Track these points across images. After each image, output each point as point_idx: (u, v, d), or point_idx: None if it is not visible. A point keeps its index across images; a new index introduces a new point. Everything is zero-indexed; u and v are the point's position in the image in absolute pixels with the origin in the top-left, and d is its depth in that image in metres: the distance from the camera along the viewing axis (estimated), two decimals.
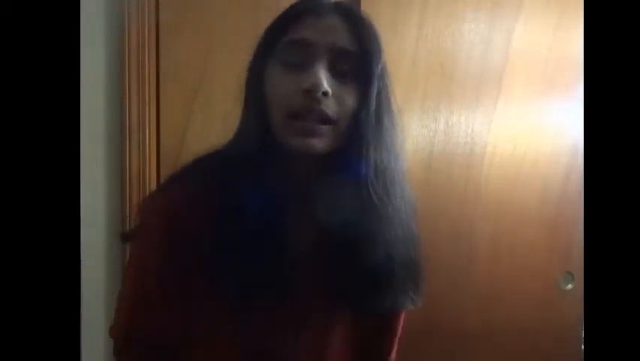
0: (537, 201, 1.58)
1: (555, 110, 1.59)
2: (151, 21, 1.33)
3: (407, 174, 0.78)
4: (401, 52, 1.46)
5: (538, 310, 1.59)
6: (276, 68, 0.69)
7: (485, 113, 1.54)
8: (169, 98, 1.36)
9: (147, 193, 1.33)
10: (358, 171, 0.69)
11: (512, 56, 1.54)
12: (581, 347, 1.62)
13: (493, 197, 1.55)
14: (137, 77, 1.32)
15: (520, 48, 1.54)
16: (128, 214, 1.32)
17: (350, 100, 0.68)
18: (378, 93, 0.70)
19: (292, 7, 0.71)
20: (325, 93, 0.65)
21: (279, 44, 0.69)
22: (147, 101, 1.33)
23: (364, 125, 0.69)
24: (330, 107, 0.66)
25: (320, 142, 0.67)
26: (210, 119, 1.36)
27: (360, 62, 0.69)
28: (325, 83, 0.65)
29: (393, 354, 0.89)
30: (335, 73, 0.67)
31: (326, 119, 0.67)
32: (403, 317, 0.88)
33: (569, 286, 1.60)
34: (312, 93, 0.65)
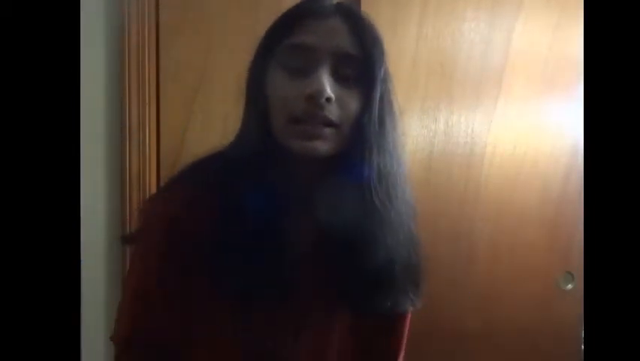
0: (537, 201, 1.58)
1: (555, 110, 1.59)
2: (151, 21, 1.33)
3: (407, 174, 0.78)
4: (401, 52, 1.46)
5: (538, 310, 1.59)
6: (277, 72, 0.68)
7: (485, 113, 1.54)
8: (169, 98, 1.36)
9: (147, 194, 1.33)
10: (361, 174, 0.69)
11: (512, 55, 1.54)
12: (581, 347, 1.62)
13: (493, 197, 1.55)
14: (137, 77, 1.32)
15: (520, 48, 1.54)
16: (128, 215, 1.32)
17: (353, 104, 0.68)
18: (381, 97, 0.70)
19: (293, 9, 0.71)
20: (329, 99, 0.65)
21: (280, 47, 0.68)
22: (147, 101, 1.33)
23: (367, 129, 0.69)
24: (333, 112, 0.66)
25: (323, 145, 0.67)
26: (210, 119, 1.36)
27: (363, 66, 0.68)
28: (328, 88, 0.65)
29: (401, 357, 0.88)
30: (338, 77, 0.67)
31: (329, 123, 0.66)
32: (408, 318, 0.87)
33: (569, 286, 1.60)
34: (315, 99, 0.64)
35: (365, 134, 0.69)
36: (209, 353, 0.74)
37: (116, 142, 1.33)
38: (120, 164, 1.33)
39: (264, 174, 0.69)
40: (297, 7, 0.71)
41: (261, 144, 0.69)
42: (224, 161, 0.73)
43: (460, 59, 1.52)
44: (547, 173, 1.59)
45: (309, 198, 0.71)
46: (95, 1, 1.30)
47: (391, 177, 0.72)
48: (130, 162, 1.32)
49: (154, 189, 1.34)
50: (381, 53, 0.70)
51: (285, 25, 0.70)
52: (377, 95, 0.69)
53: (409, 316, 0.87)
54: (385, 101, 0.71)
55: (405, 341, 0.88)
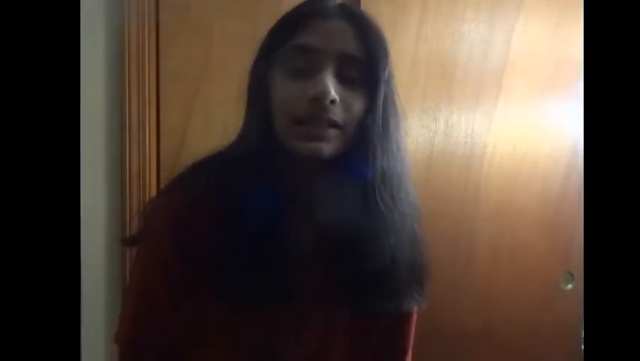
0: (537, 202, 1.58)
1: (555, 110, 1.59)
2: (151, 21, 1.33)
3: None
4: (401, 52, 1.46)
5: (538, 310, 1.59)
6: (280, 73, 0.68)
7: (485, 113, 1.54)
8: (169, 98, 1.36)
9: (147, 194, 1.33)
10: (365, 175, 0.69)
11: (512, 55, 1.54)
12: (581, 347, 1.62)
13: (493, 197, 1.55)
14: (137, 77, 1.32)
15: (520, 48, 1.54)
16: (128, 215, 1.32)
17: (357, 106, 0.68)
18: (385, 98, 0.70)
19: (296, 10, 0.70)
20: (333, 101, 0.65)
21: (283, 48, 0.68)
22: (147, 102, 1.33)
23: (371, 131, 0.68)
24: (337, 113, 0.66)
25: (327, 146, 0.66)
26: (210, 120, 1.36)
27: (367, 67, 0.68)
28: (333, 90, 0.64)
29: (409, 358, 0.88)
30: (341, 79, 0.67)
31: (333, 125, 0.66)
32: (414, 318, 0.87)
33: (569, 286, 1.60)
34: (319, 101, 0.64)
35: (369, 135, 0.68)
36: (210, 353, 0.74)
37: (116, 142, 1.33)
38: (120, 164, 1.33)
39: (265, 174, 0.68)
40: (299, 7, 0.71)
41: (263, 144, 0.69)
42: (225, 161, 0.73)
43: (460, 59, 1.52)
44: (547, 173, 1.59)
45: (312, 199, 0.71)
46: (95, 1, 1.30)
47: (395, 178, 0.72)
48: (130, 162, 1.32)
49: (154, 190, 1.34)
50: (385, 53, 0.70)
51: (288, 26, 0.69)
52: (381, 97, 0.69)
53: (415, 316, 0.86)
54: (389, 102, 0.71)
55: (411, 341, 0.88)
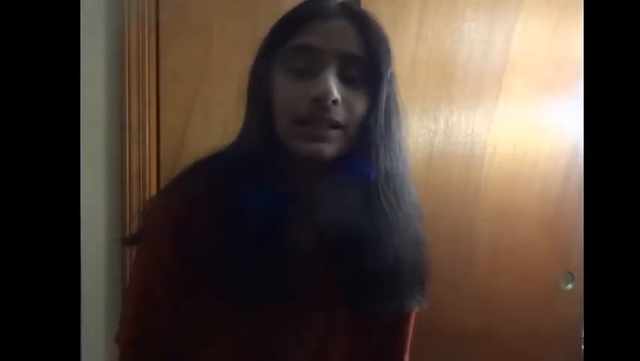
0: (537, 202, 1.58)
1: (555, 110, 1.59)
2: (151, 21, 1.33)
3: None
4: (401, 52, 1.46)
5: (538, 310, 1.59)
6: (281, 73, 0.67)
7: (485, 113, 1.54)
8: (169, 98, 1.36)
9: (147, 194, 1.33)
10: (367, 176, 0.69)
11: (512, 55, 1.54)
12: (581, 347, 1.62)
13: (493, 197, 1.55)
14: (137, 77, 1.32)
15: (520, 48, 1.54)
16: (128, 215, 1.32)
17: (359, 106, 0.67)
18: (387, 98, 0.70)
19: (297, 10, 0.70)
20: (335, 101, 0.64)
21: (284, 48, 0.68)
22: (147, 101, 1.33)
23: (373, 131, 0.68)
24: (339, 114, 0.65)
25: (329, 147, 0.66)
26: (210, 120, 1.36)
27: (369, 66, 0.67)
28: (335, 90, 0.64)
29: (407, 357, 0.88)
30: (344, 78, 0.66)
31: (335, 126, 0.66)
32: (413, 318, 0.87)
33: (569, 286, 1.60)
34: (321, 101, 0.64)
35: (371, 135, 0.68)
36: (210, 353, 0.74)
37: (116, 142, 1.33)
38: (120, 164, 1.33)
39: (266, 174, 0.68)
40: (300, 7, 0.70)
41: (264, 144, 0.69)
42: (225, 161, 0.72)
43: (460, 59, 1.52)
44: (547, 173, 1.59)
45: (313, 199, 0.71)
46: (95, 1, 1.30)
47: (398, 179, 0.71)
48: (130, 162, 1.32)
49: (154, 189, 1.34)
50: (388, 53, 0.70)
51: (289, 26, 0.69)
52: (384, 96, 0.69)
53: (414, 315, 0.87)
54: (391, 102, 0.71)
55: (409, 340, 0.88)
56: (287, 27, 0.69)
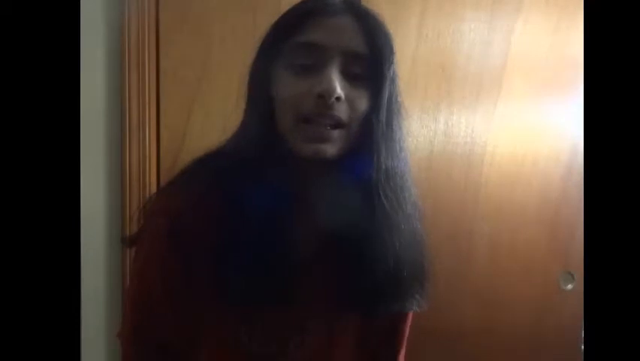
0: (537, 201, 1.58)
1: (555, 110, 1.59)
2: (151, 21, 1.33)
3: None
4: (401, 52, 1.45)
5: (538, 310, 1.59)
6: (283, 70, 0.67)
7: (485, 113, 1.54)
8: (169, 98, 1.36)
9: (147, 194, 1.33)
10: (369, 175, 0.69)
11: (512, 56, 1.54)
12: (581, 347, 1.62)
13: (493, 197, 1.55)
14: (137, 77, 1.32)
15: (520, 48, 1.54)
16: (128, 215, 1.32)
17: (362, 103, 0.67)
18: (389, 96, 0.69)
19: (300, 7, 0.70)
20: (338, 98, 0.64)
21: (286, 45, 0.67)
22: (147, 101, 1.33)
23: (375, 129, 0.68)
24: (342, 111, 0.65)
25: (332, 148, 0.66)
26: (210, 119, 1.36)
27: (372, 64, 0.67)
28: (338, 87, 0.64)
29: (402, 355, 0.88)
30: (347, 76, 0.66)
31: (338, 124, 0.66)
32: (410, 317, 0.87)
33: (569, 286, 1.60)
34: (325, 98, 0.63)
35: (373, 134, 0.68)
36: (210, 353, 0.73)
37: (116, 142, 1.33)
38: (120, 164, 1.33)
39: (267, 173, 0.68)
40: (302, 4, 0.70)
41: (264, 143, 0.68)
42: (225, 160, 0.72)
43: (460, 59, 1.52)
44: (547, 173, 1.59)
45: (315, 198, 0.71)
46: (95, 1, 1.30)
47: (399, 178, 0.71)
48: (130, 162, 1.32)
49: (154, 189, 1.34)
50: (391, 51, 0.70)
51: (292, 22, 0.68)
52: (386, 94, 0.68)
53: (411, 314, 0.87)
54: (394, 101, 0.71)
55: (405, 338, 0.88)
56: (290, 23, 0.69)
